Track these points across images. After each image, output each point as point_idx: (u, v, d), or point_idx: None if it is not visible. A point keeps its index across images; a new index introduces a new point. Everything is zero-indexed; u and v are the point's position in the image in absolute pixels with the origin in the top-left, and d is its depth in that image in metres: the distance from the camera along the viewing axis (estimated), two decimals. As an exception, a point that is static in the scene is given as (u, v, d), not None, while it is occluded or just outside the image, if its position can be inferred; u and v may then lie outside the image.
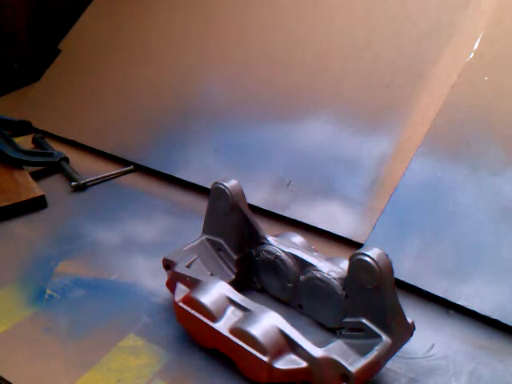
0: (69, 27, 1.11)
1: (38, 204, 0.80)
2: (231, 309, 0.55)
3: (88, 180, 0.86)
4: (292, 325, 0.53)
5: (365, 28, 0.87)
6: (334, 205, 0.75)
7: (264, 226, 0.64)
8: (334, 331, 0.57)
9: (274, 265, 0.61)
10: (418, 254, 0.67)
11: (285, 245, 0.62)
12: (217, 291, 0.56)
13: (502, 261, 0.64)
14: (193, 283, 0.58)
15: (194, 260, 0.61)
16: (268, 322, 0.52)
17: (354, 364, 0.50)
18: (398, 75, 0.82)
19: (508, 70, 0.77)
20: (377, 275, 0.51)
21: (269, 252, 0.62)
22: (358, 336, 0.53)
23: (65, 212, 0.80)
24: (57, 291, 0.65)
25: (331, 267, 0.58)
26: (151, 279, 0.67)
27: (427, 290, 0.64)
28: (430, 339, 0.59)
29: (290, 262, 0.60)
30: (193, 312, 0.56)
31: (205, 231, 0.65)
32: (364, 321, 0.53)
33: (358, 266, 0.52)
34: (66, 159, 0.90)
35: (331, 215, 0.74)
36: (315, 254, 0.62)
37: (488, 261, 0.65)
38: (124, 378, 0.55)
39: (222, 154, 0.85)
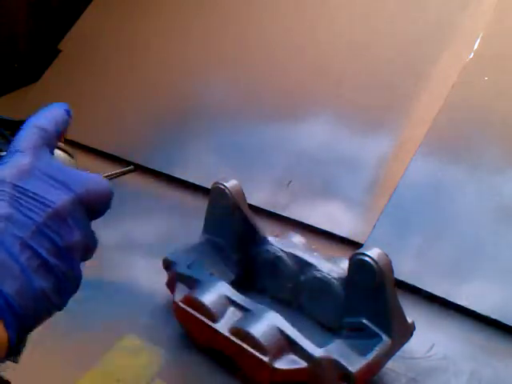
0: (69, 27, 1.11)
1: (38, 204, 0.80)
2: (231, 309, 0.55)
3: (88, 180, 0.86)
4: (292, 325, 0.53)
5: (365, 28, 0.87)
6: (334, 205, 0.75)
7: (264, 226, 0.64)
8: (334, 331, 0.57)
9: (274, 265, 0.61)
10: (418, 253, 0.67)
11: (285, 245, 0.62)
12: (217, 291, 0.56)
13: (502, 261, 0.64)
14: (193, 283, 0.58)
15: (194, 260, 0.61)
16: (268, 322, 0.52)
17: (354, 364, 0.50)
18: (397, 75, 0.82)
19: (508, 70, 0.77)
20: (377, 275, 0.51)
21: (269, 252, 0.62)
22: (358, 336, 0.53)
23: (65, 212, 0.80)
24: (57, 291, 0.65)
25: (331, 267, 0.58)
26: (151, 279, 0.67)
27: (427, 290, 0.64)
28: (430, 339, 0.59)
29: (289, 262, 0.60)
30: (193, 312, 0.56)
31: (205, 231, 0.65)
32: (364, 321, 0.53)
33: (358, 266, 0.52)
34: (66, 159, 0.90)
35: (331, 215, 0.74)
36: (315, 254, 0.62)
37: (488, 261, 0.65)
38: (124, 378, 0.55)
39: (222, 154, 0.85)
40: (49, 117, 0.45)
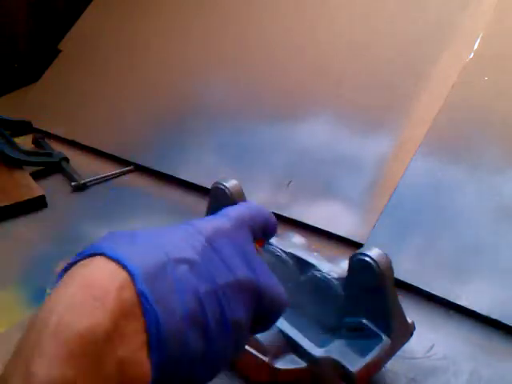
0: (69, 27, 1.11)
1: (38, 204, 0.80)
2: (231, 309, 0.55)
3: (88, 180, 0.86)
4: (292, 325, 0.53)
5: (365, 28, 0.87)
6: (334, 205, 0.75)
7: (264, 226, 0.64)
8: (334, 331, 0.57)
9: (274, 265, 0.61)
10: (418, 253, 0.67)
11: (285, 245, 0.62)
12: (217, 291, 0.56)
13: (502, 261, 0.64)
14: (193, 283, 0.58)
15: (194, 260, 0.61)
16: (268, 322, 0.52)
17: (354, 364, 0.50)
18: (397, 75, 0.82)
19: (508, 70, 0.77)
20: (377, 275, 0.51)
21: (269, 252, 0.62)
22: (358, 336, 0.53)
23: (65, 212, 0.80)
24: (57, 291, 0.65)
25: (331, 267, 0.58)
26: (151, 279, 0.67)
27: (427, 290, 0.64)
28: (430, 339, 0.59)
29: (290, 262, 0.60)
30: (193, 312, 0.56)
31: (205, 231, 0.64)
32: (364, 321, 0.53)
33: (358, 266, 0.52)
34: (66, 159, 0.90)
35: (331, 215, 0.74)
36: (315, 254, 0.62)
37: (488, 261, 0.65)
38: (124, 378, 0.55)
39: (222, 154, 0.85)
40: (263, 213, 0.41)
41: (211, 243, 0.35)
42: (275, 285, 0.38)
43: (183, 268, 0.33)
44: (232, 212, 0.39)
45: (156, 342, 0.31)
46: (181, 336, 0.32)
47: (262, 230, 0.41)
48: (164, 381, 0.32)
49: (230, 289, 0.34)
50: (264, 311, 0.38)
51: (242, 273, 0.35)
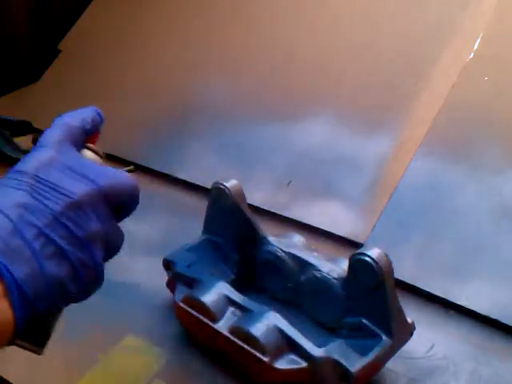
0: (69, 27, 1.11)
1: (38, 204, 0.80)
2: (231, 309, 0.55)
3: (88, 180, 0.86)
4: (292, 325, 0.53)
5: (365, 28, 0.87)
6: (334, 205, 0.75)
7: (264, 226, 0.64)
8: (334, 331, 0.57)
9: (274, 265, 0.61)
10: (418, 254, 0.67)
11: (285, 245, 0.62)
12: (217, 291, 0.56)
13: (503, 261, 0.64)
14: (193, 283, 0.58)
15: (194, 260, 0.61)
16: (268, 322, 0.52)
17: (354, 364, 0.50)
18: (397, 75, 0.82)
19: (508, 70, 0.77)
20: (377, 275, 0.51)
21: (269, 252, 0.62)
22: (358, 336, 0.53)
23: (65, 212, 0.80)
24: (57, 291, 0.65)
25: (331, 267, 0.58)
26: (151, 279, 0.67)
27: (427, 290, 0.64)
28: (430, 339, 0.59)
29: (289, 261, 0.60)
30: (193, 312, 0.56)
31: (205, 231, 0.65)
32: (364, 321, 0.53)
33: (358, 266, 0.52)
34: (66, 159, 0.90)
35: (331, 215, 0.74)
36: (315, 254, 0.62)
37: (488, 261, 0.65)
38: (124, 377, 0.55)
39: (222, 154, 0.85)
40: (75, 115, 0.45)
41: (36, 178, 0.38)
42: (115, 177, 0.41)
43: (19, 212, 0.35)
44: (46, 138, 0.41)
45: (18, 300, 0.34)
46: (35, 274, 0.35)
47: (84, 129, 0.45)
48: (36, 307, 0.35)
49: (71, 209, 0.37)
50: (120, 204, 0.41)
51: (77, 189, 0.38)
